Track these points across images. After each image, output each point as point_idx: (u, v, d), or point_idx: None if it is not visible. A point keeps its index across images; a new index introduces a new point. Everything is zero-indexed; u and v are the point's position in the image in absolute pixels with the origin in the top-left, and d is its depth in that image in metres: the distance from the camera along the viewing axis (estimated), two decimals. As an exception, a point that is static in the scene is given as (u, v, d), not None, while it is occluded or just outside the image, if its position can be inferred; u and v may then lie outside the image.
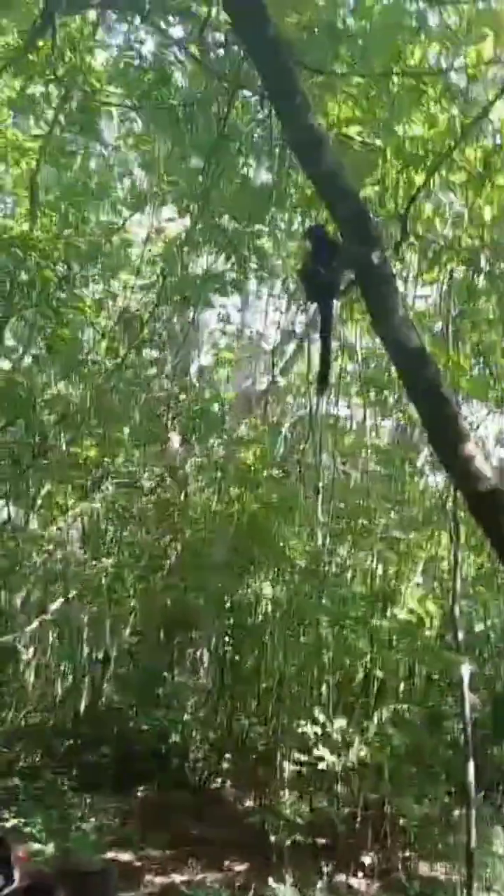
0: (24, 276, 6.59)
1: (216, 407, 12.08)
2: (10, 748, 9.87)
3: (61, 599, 10.44)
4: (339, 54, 5.51)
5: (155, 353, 11.46)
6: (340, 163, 4.23)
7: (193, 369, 13.70)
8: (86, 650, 12.03)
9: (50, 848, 5.75)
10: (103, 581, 9.39)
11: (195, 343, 13.49)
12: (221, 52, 6.44)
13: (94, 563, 9.64)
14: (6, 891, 4.37)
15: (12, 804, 7.52)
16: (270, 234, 9.80)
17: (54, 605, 10.55)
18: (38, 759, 10.13)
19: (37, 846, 5.61)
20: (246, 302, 12.98)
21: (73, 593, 9.90)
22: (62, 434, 7.73)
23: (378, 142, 5.62)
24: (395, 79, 5.52)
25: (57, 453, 7.88)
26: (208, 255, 10.45)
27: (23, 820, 7.11)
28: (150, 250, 10.30)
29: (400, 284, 4.27)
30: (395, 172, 5.62)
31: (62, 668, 11.71)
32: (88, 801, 8.66)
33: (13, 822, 6.86)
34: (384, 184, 5.70)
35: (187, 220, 9.89)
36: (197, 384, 13.27)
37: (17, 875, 4.45)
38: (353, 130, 5.63)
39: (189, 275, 9.57)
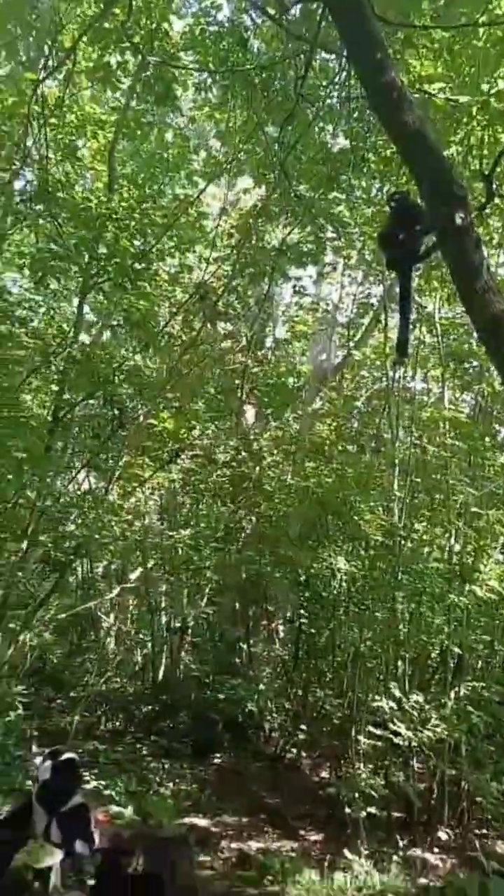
0: (102, 250, 6.63)
1: (291, 380, 12.01)
2: (92, 713, 10.17)
3: (140, 569, 10.65)
4: (420, 7, 5.28)
5: (230, 327, 11.46)
6: (423, 121, 4.06)
7: (268, 343, 13.66)
8: (164, 619, 12.31)
9: (129, 811, 5.90)
10: (180, 552, 9.50)
11: (270, 316, 13.43)
12: (298, 11, 6.25)
13: (171, 534, 9.76)
14: (87, 853, 4.51)
15: (93, 767, 7.74)
16: (348, 202, 9.59)
17: (133, 575, 10.78)
18: (118, 724, 10.44)
19: (116, 809, 5.75)
20: (322, 273, 12.77)
21: (151, 563, 10.09)
22: (140, 407, 7.82)
23: (462, 99, 5.36)
24: (481, 31, 5.25)
25: (135, 426, 7.98)
26: (284, 227, 10.32)
27: (103, 783, 7.31)
28: (225, 221, 10.24)
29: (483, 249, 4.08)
30: (480, 130, 5.37)
31: (141, 636, 12.00)
32: (166, 766, 8.88)
33: (94, 784, 7.06)
34: (468, 143, 5.46)
35: (263, 191, 9.78)
36: (272, 358, 13.22)
37: (97, 838, 4.59)
38: (435, 87, 5.39)
39: (264, 247, 9.47)
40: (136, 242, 6.96)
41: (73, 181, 7.92)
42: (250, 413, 11.67)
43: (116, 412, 7.72)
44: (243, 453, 9.73)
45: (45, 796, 4.59)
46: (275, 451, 10.77)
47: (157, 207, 7.54)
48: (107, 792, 6.92)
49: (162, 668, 11.93)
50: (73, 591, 11.28)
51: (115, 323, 7.74)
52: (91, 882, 4.85)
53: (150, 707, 10.79)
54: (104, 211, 6.50)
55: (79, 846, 4.45)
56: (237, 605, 11.29)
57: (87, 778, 6.67)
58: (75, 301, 7.96)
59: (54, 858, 4.32)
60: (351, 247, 11.51)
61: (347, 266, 12.60)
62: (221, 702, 9.50)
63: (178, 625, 12.04)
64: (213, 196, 11.18)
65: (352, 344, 12.60)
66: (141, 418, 8.08)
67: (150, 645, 12.07)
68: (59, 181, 7.02)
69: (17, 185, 7.76)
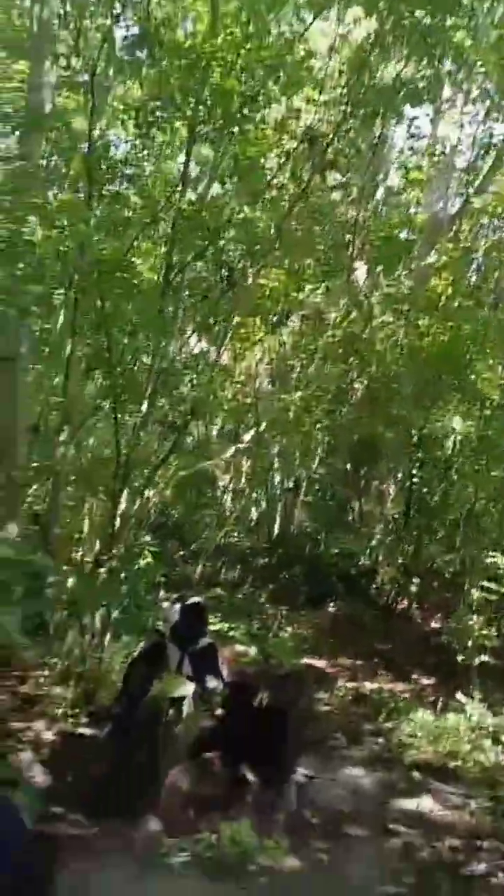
0: (206, 94, 6.29)
1: (404, 232, 11.39)
2: (213, 564, 10.80)
3: (253, 431, 10.87)
4: None
5: (340, 177, 10.84)
6: None
7: (380, 193, 12.90)
8: (277, 479, 12.68)
9: (252, 650, 6.34)
10: (291, 414, 9.58)
11: (383, 163, 12.60)
12: None
13: (282, 396, 9.81)
14: (216, 687, 4.93)
15: (217, 612, 8.29)
16: (469, 29, 8.60)
17: (247, 436, 11.02)
18: (237, 575, 11.08)
19: (241, 648, 6.20)
20: (439, 112, 11.73)
21: (263, 426, 10.25)
22: (249, 266, 7.67)
23: None
24: None
25: (244, 286, 7.86)
26: (398, 61, 9.42)
27: (227, 626, 7.86)
28: (335, 60, 9.46)
29: None
30: None
31: (256, 494, 12.45)
32: (284, 613, 9.43)
33: (219, 626, 7.60)
34: None
35: (374, 22, 8.89)
36: (384, 208, 12.53)
37: (224, 673, 4.99)
38: None
39: (377, 85, 8.71)
40: (242, 86, 6.56)
41: (175, 24, 7.47)
42: (361, 270, 11.23)
43: (226, 273, 7.61)
44: (354, 312, 9.47)
45: (177, 636, 5.00)
46: (387, 309, 10.42)
47: (263, 46, 7.02)
48: (231, 634, 7.43)
49: (277, 525, 12.43)
50: (191, 452, 11.72)
51: (222, 174, 7.45)
52: (219, 712, 5.35)
53: (266, 560, 11.36)
54: (207, 50, 6.12)
55: (208, 680, 4.87)
56: (348, 466, 11.42)
57: (212, 621, 7.16)
58: (181, 158, 7.72)
59: (187, 690, 4.76)
60: (472, 80, 10.48)
61: (468, 102, 11.53)
62: (335, 556, 9.83)
63: (290, 485, 12.40)
64: (321, 32, 10.28)
65: (471, 190, 11.69)
66: (250, 279, 7.93)
67: (264, 503, 12.55)
68: (162, 23, 6.62)
69: (119, 33, 7.41)
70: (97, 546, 7.20)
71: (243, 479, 11.82)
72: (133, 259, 6.54)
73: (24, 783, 4.12)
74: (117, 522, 6.49)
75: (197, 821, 4.52)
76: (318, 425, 10.33)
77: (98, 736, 5.58)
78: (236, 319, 7.33)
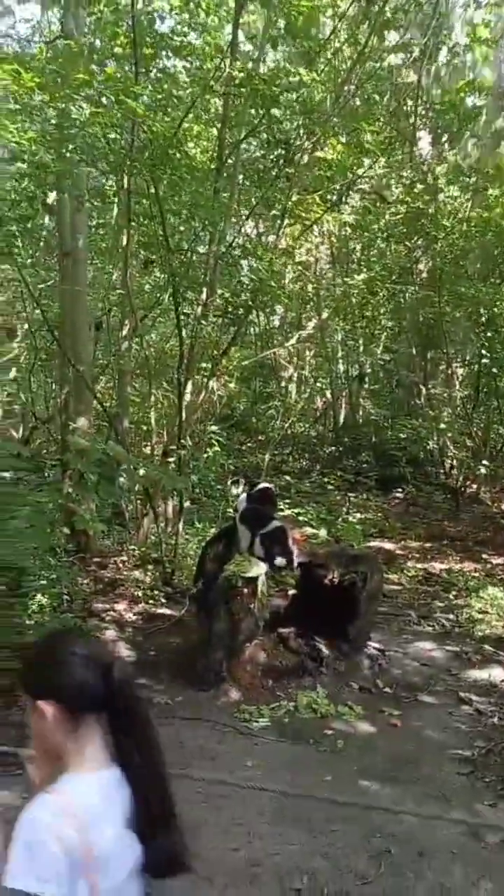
0: None
1: (470, 97, 10.56)
2: (280, 453, 10.90)
3: (315, 319, 10.67)
4: None
5: (399, 38, 10.02)
6: None
7: (443, 54, 11.93)
8: (341, 368, 12.52)
9: (322, 532, 6.43)
10: (354, 300, 9.31)
11: (446, 20, 11.57)
12: None
13: (344, 280, 9.51)
14: (287, 566, 5.06)
15: (286, 498, 8.42)
16: None
17: (309, 325, 10.84)
18: (304, 463, 11.18)
19: (311, 530, 6.30)
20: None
21: (325, 314, 10.03)
22: (305, 140, 7.25)
23: None
24: None
25: (300, 164, 7.49)
26: None
27: (297, 511, 7.99)
28: None
29: None
30: None
31: (320, 384, 12.35)
32: (352, 499, 9.52)
33: (288, 512, 7.73)
34: None
35: None
36: (448, 71, 11.61)
37: (295, 552, 5.11)
38: None
39: None
40: None
41: None
42: (425, 140, 10.57)
43: (282, 150, 7.25)
44: (418, 186, 8.97)
45: (247, 519, 5.11)
46: (452, 183, 9.83)
47: None
48: (301, 518, 7.56)
49: (342, 414, 12.39)
50: (253, 343, 11.64)
51: (273, 39, 6.95)
52: (292, 592, 5.52)
53: (332, 448, 11.39)
54: None
55: (278, 560, 4.99)
56: (414, 350, 11.15)
57: (282, 507, 7.29)
58: (228, 29, 7.25)
59: (260, 569, 4.90)
60: None
61: None
62: (402, 441, 9.76)
63: (355, 373, 12.24)
64: None
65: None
66: (306, 158, 7.54)
67: (329, 392, 12.46)
68: None
69: None
70: (165, 438, 7.34)
71: (307, 370, 11.70)
72: (185, 139, 6.26)
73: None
74: (184, 414, 6.56)
75: (274, 691, 4.76)
76: (383, 309, 10.05)
77: (176, 615, 5.89)
78: (294, 199, 6.99)
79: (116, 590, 6.28)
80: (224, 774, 3.76)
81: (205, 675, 4.73)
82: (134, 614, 5.90)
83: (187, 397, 6.66)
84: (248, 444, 11.26)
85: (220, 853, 3.16)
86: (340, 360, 12.27)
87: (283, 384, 11.60)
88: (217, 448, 6.88)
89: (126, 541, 7.13)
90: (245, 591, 4.81)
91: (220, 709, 4.52)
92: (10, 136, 4.63)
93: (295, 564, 5.09)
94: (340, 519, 8.23)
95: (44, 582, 5.39)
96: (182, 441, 6.41)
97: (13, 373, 9.74)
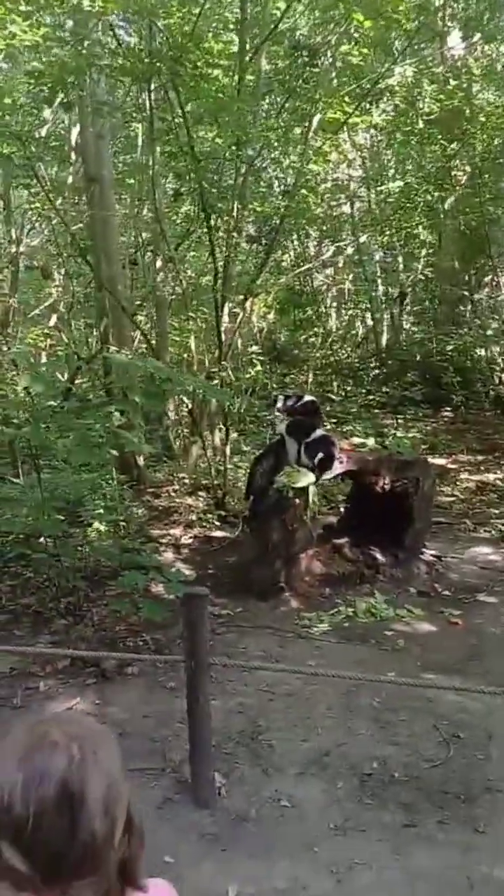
0: None
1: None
2: (323, 374, 10.72)
3: (351, 239, 10.34)
4: None
5: None
6: None
7: None
8: (381, 290, 12.18)
9: (371, 441, 6.30)
10: (391, 210, 8.97)
11: None
12: None
13: (379, 188, 9.14)
14: (334, 473, 4.99)
15: (331, 417, 8.29)
16: None
17: (347, 249, 10.50)
18: (349, 389, 10.99)
19: (359, 440, 6.19)
20: None
21: (363, 237, 9.65)
22: (328, 36, 6.84)
23: None
24: None
25: (324, 65, 7.11)
26: None
27: (344, 427, 7.88)
28: None
29: None
30: None
31: (360, 309, 12.07)
32: (399, 420, 9.35)
33: (335, 428, 7.64)
34: None
35: None
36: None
37: (343, 460, 5.03)
38: None
39: None
40: None
41: None
42: (455, 35, 9.98)
43: (305, 55, 6.90)
44: (452, 82, 8.51)
45: (293, 429, 5.04)
46: (490, 80, 9.29)
47: None
48: (348, 429, 7.45)
49: (385, 337, 12.11)
50: (289, 270, 11.39)
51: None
52: (344, 506, 5.46)
53: (377, 371, 11.17)
54: None
55: (325, 467, 4.91)
56: (456, 264, 10.76)
57: (327, 424, 7.19)
58: None
59: (309, 478, 4.85)
60: None
61: None
62: (449, 352, 9.49)
63: (395, 293, 11.90)
64: None
65: None
66: (329, 55, 7.14)
67: (370, 316, 12.17)
68: None
69: None
70: (207, 365, 7.27)
71: (346, 295, 11.43)
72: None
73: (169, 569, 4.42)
74: (223, 336, 6.46)
75: (332, 598, 4.76)
76: (420, 220, 9.66)
77: (231, 536, 5.92)
78: (320, 105, 6.66)
79: (171, 516, 6.34)
80: (289, 673, 3.78)
81: (263, 586, 4.75)
82: (190, 538, 5.95)
83: (225, 319, 6.55)
84: (291, 376, 11.13)
85: (289, 745, 3.20)
86: (379, 281, 11.93)
87: (321, 309, 11.36)
88: (259, 367, 6.78)
89: (176, 471, 7.17)
90: (297, 501, 4.78)
91: (280, 617, 4.54)
92: (23, 32, 4.45)
93: (341, 470, 5.02)
94: (390, 436, 8.10)
95: (100, 511, 5.46)
96: (223, 363, 6.33)
97: (53, 319, 9.77)
